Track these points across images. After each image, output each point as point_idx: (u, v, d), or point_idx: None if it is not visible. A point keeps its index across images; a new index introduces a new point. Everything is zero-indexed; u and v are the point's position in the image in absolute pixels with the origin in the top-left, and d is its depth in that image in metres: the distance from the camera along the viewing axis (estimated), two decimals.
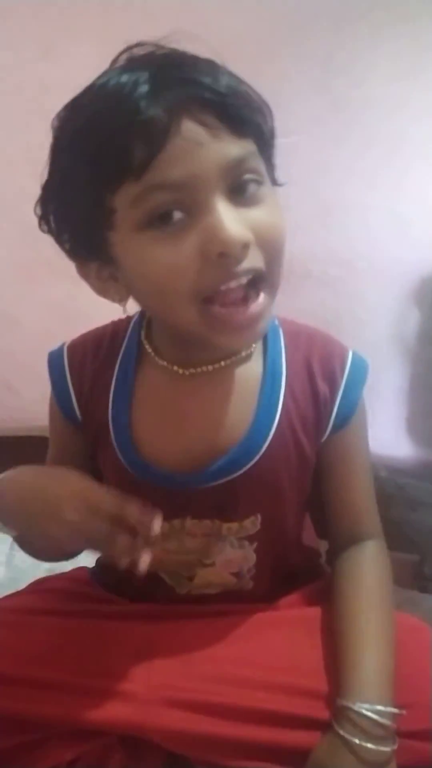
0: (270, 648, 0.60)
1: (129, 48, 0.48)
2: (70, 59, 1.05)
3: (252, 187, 0.48)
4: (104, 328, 0.67)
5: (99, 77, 0.48)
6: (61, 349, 0.67)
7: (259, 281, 0.49)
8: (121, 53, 0.49)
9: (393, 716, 0.51)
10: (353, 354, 0.64)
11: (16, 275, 1.22)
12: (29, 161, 1.21)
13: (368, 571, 0.63)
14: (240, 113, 0.46)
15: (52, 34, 1.06)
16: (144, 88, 0.44)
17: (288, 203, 0.97)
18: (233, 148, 0.46)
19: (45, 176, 0.51)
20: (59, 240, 0.53)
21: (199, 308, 0.48)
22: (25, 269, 1.22)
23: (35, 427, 1.11)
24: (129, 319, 0.65)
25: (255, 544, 0.65)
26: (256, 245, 0.48)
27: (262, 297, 0.50)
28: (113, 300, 0.55)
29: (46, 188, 0.52)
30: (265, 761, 0.53)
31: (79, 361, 0.64)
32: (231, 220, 0.45)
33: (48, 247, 1.29)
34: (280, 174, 0.55)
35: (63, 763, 0.58)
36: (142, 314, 0.64)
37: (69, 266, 1.24)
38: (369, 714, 0.51)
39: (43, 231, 0.54)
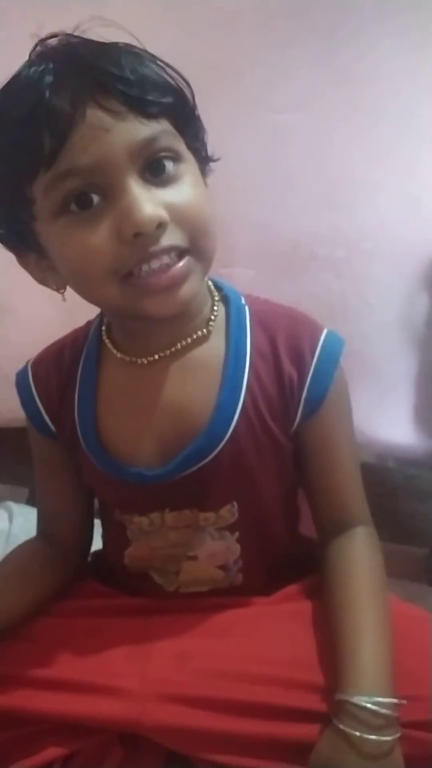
0: (267, 641, 0.58)
1: (42, 40, 0.50)
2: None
3: (168, 165, 0.49)
4: (64, 338, 0.67)
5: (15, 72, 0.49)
6: (25, 368, 0.67)
7: (184, 254, 0.50)
8: (34, 47, 0.50)
9: (394, 706, 0.49)
10: (327, 333, 0.61)
11: (8, 263, 1.20)
12: None
13: (358, 559, 0.60)
14: (145, 96, 0.48)
15: (44, 11, 1.02)
16: (48, 79, 0.46)
17: (292, 182, 0.94)
18: (141, 129, 0.48)
19: None
20: None
21: (119, 284, 0.49)
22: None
23: (21, 418, 1.09)
24: (89, 324, 0.65)
25: (236, 534, 0.63)
26: (174, 224, 0.49)
27: (185, 260, 0.50)
28: (52, 289, 0.56)
29: None
30: (265, 756, 0.51)
31: (43, 377, 0.65)
32: (144, 201, 0.47)
33: None
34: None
35: (60, 759, 0.56)
36: (101, 313, 0.63)
37: None
38: (368, 706, 0.48)
39: None
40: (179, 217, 0.49)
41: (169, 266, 0.49)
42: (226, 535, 0.63)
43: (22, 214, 0.51)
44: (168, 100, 0.50)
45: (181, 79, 0.52)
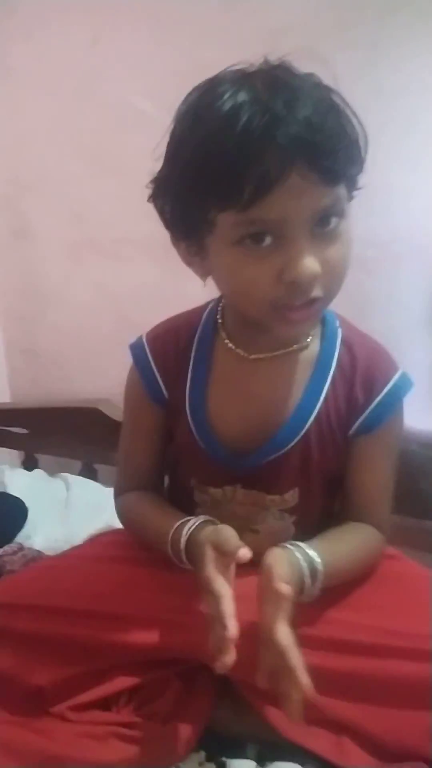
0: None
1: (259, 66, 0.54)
2: (118, 47, 1.09)
3: (333, 221, 0.55)
4: (178, 318, 0.75)
5: (210, 92, 0.53)
6: (140, 341, 0.74)
7: (320, 300, 0.58)
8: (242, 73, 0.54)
9: (320, 575, 0.60)
10: (401, 374, 0.69)
11: (63, 256, 1.28)
12: (77, 146, 1.27)
13: (361, 532, 0.70)
14: (338, 168, 0.53)
15: (100, 21, 1.10)
16: (268, 136, 0.50)
17: None
18: (325, 198, 0.53)
19: (164, 153, 0.58)
20: (161, 214, 0.60)
21: (275, 311, 0.57)
22: (72, 250, 1.27)
23: (80, 399, 1.18)
24: (202, 309, 0.73)
25: (294, 518, 0.72)
26: (324, 276, 0.55)
27: (319, 305, 0.58)
28: (195, 273, 0.63)
29: (165, 173, 0.58)
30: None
31: (161, 350, 0.72)
32: (307, 257, 0.53)
33: (93, 229, 1.35)
34: None
35: (127, 689, 0.66)
36: (218, 301, 0.71)
37: (113, 247, 1.30)
38: (310, 553, 0.61)
39: (150, 202, 0.60)
40: (329, 273, 0.56)
41: (307, 306, 0.57)
42: (286, 517, 0.72)
43: (200, 225, 0.56)
44: (351, 167, 0.55)
45: (365, 138, 0.56)
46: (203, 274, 0.63)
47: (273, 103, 0.50)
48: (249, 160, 0.50)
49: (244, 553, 0.57)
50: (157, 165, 0.62)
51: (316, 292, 0.56)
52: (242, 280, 0.57)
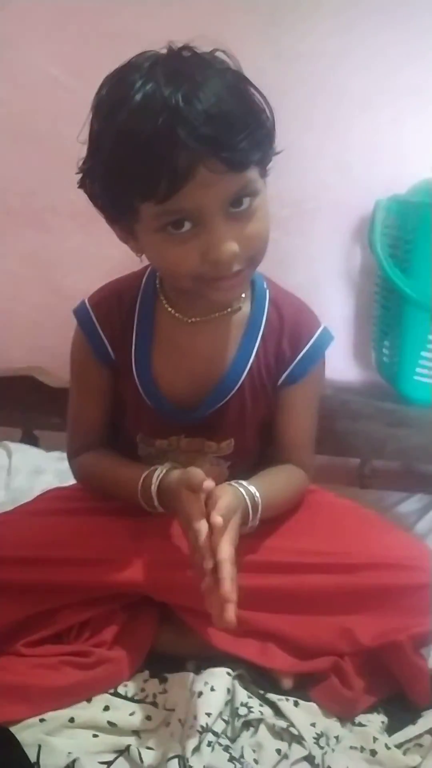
0: None
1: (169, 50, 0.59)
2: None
3: (246, 202, 0.61)
4: (117, 283, 0.79)
5: (137, 81, 0.56)
6: (84, 305, 0.78)
7: (244, 270, 0.64)
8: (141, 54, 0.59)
9: (260, 507, 0.69)
10: (323, 329, 0.78)
11: None
12: None
13: (290, 472, 0.79)
14: (242, 156, 0.57)
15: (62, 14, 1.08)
16: (176, 135, 0.54)
17: None
18: (235, 181, 0.59)
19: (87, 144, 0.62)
20: (93, 200, 0.65)
21: (203, 283, 0.63)
22: None
23: (14, 368, 1.21)
24: (141, 274, 0.78)
25: (228, 463, 0.81)
26: (243, 250, 0.61)
27: (244, 274, 0.65)
28: (131, 250, 0.68)
29: (89, 163, 0.62)
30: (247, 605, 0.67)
31: (106, 313, 0.77)
32: (226, 239, 0.59)
33: (15, 197, 1.34)
34: None
35: (76, 624, 0.73)
36: (153, 272, 0.77)
37: (38, 216, 1.30)
38: (253, 491, 0.69)
39: (81, 188, 0.65)
40: (248, 247, 0.62)
41: (231, 278, 0.63)
42: (221, 463, 0.81)
43: (126, 213, 0.62)
44: (260, 150, 0.60)
45: (272, 115, 0.62)
46: (138, 252, 0.68)
47: (174, 99, 0.54)
48: (160, 158, 0.55)
49: (208, 484, 0.63)
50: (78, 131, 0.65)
51: (238, 266, 0.62)
52: (168, 262, 0.63)
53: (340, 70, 1.02)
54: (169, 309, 0.75)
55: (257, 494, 0.69)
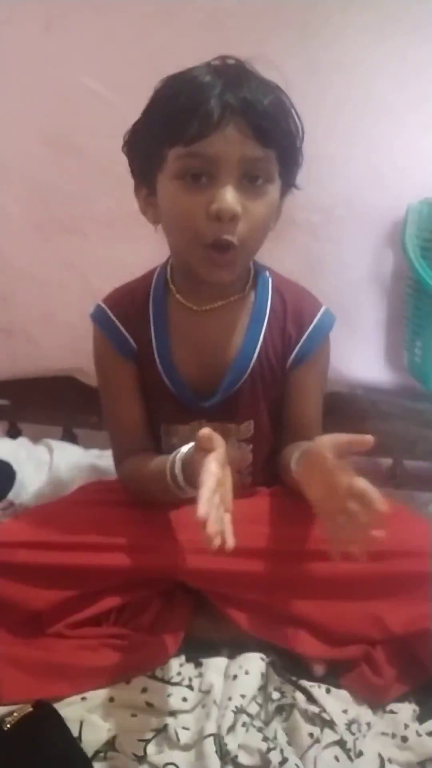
0: (268, 515, 0.80)
1: (221, 57, 0.68)
2: (70, 33, 1.14)
3: (259, 181, 0.67)
4: (129, 283, 0.85)
5: (192, 68, 0.67)
6: (100, 307, 0.83)
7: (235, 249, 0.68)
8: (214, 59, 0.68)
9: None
10: (324, 310, 0.82)
11: (29, 235, 1.34)
12: (36, 129, 1.32)
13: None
14: (267, 131, 0.65)
15: (52, 8, 1.15)
16: (215, 91, 0.63)
17: None
18: (254, 151, 0.65)
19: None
20: (131, 163, 0.73)
21: (202, 249, 0.68)
22: (38, 228, 1.33)
23: (56, 369, 1.26)
24: (151, 272, 0.83)
25: (251, 446, 0.84)
26: (242, 225, 0.66)
27: (233, 252, 0.68)
28: (149, 220, 0.75)
29: (135, 126, 0.71)
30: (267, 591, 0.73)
31: (122, 309, 0.82)
32: (231, 197, 0.65)
33: (57, 207, 1.41)
34: None
35: (115, 608, 0.77)
36: (165, 264, 0.81)
37: (78, 224, 1.36)
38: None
39: (124, 153, 0.73)
40: (248, 222, 0.66)
41: (226, 251, 0.67)
42: (243, 446, 0.85)
43: (155, 163, 0.68)
44: (284, 143, 0.68)
45: (300, 128, 0.71)
46: (155, 221, 0.73)
47: (226, 75, 0.64)
48: (197, 103, 0.63)
49: (204, 431, 0.62)
50: (117, 143, 0.72)
51: (232, 236, 0.66)
52: (179, 211, 0.68)
53: (366, 79, 1.05)
54: (181, 299, 0.79)
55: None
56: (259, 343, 0.79)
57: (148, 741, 0.68)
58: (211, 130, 0.63)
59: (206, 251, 0.68)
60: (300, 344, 0.80)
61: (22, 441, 1.24)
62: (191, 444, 0.69)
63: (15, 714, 0.67)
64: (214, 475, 0.57)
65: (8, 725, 0.66)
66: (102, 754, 0.66)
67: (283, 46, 1.04)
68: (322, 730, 0.69)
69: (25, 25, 1.17)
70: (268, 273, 0.82)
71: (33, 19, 1.16)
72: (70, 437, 1.26)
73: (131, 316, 0.81)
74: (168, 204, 0.69)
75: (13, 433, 1.29)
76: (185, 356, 0.80)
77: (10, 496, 1.06)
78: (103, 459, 1.12)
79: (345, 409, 1.07)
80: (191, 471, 0.67)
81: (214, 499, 0.56)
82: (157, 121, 0.67)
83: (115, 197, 0.73)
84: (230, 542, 0.57)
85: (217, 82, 0.63)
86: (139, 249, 0.77)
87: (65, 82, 1.17)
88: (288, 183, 0.73)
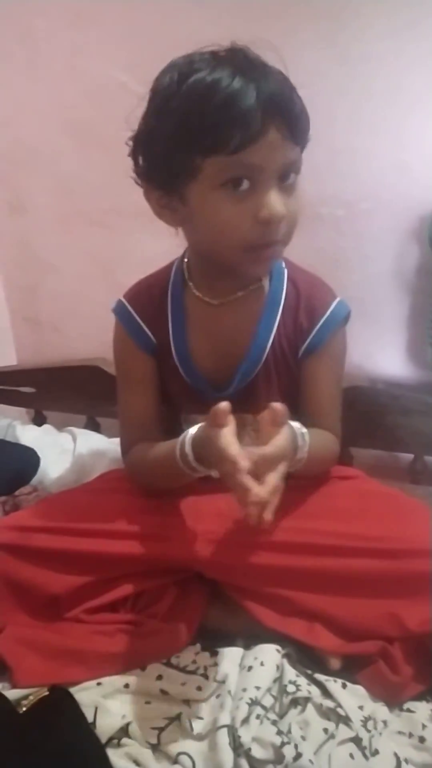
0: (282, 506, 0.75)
1: (227, 48, 0.66)
2: (99, 25, 1.15)
3: (292, 177, 0.68)
4: (148, 278, 0.86)
5: (208, 67, 0.63)
6: (120, 302, 0.85)
7: (279, 243, 0.70)
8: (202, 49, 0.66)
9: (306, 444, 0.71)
10: (339, 302, 0.81)
11: (55, 227, 1.36)
12: (63, 121, 1.33)
13: (322, 433, 0.80)
14: (302, 129, 0.66)
15: (82, 1, 1.15)
16: (251, 97, 0.61)
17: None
18: (291, 153, 0.66)
19: (145, 115, 0.68)
20: (136, 167, 0.71)
21: (245, 251, 0.68)
22: (64, 220, 1.35)
23: (80, 358, 1.28)
24: (168, 267, 0.84)
25: None
26: (285, 220, 0.67)
27: (279, 246, 0.70)
28: (166, 222, 0.73)
29: (147, 128, 0.68)
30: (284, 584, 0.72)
31: (141, 304, 0.84)
32: (279, 203, 0.66)
33: (83, 199, 1.42)
34: None
35: (132, 594, 0.77)
36: (182, 258, 0.82)
37: (103, 217, 1.37)
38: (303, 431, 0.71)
39: (128, 154, 0.71)
40: (290, 219, 0.68)
41: (272, 246, 0.68)
42: None
43: (184, 172, 0.66)
44: (307, 131, 0.68)
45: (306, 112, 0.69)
46: (174, 224, 0.73)
47: (250, 75, 0.62)
48: (239, 112, 0.62)
49: (221, 404, 0.63)
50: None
51: (279, 234, 0.67)
52: (222, 221, 0.67)
53: (393, 70, 1.03)
54: (197, 293, 0.80)
55: (304, 430, 0.71)
56: (273, 333, 0.80)
57: (162, 729, 0.68)
58: (255, 138, 0.62)
59: (249, 252, 0.68)
60: (312, 334, 0.80)
61: (47, 428, 1.26)
62: (199, 424, 0.69)
63: (31, 697, 0.68)
64: (241, 456, 0.60)
65: (24, 708, 0.67)
66: (116, 741, 0.66)
67: (313, 36, 1.04)
68: (337, 726, 0.68)
69: (54, 17, 1.18)
70: (283, 262, 0.82)
71: (62, 11, 1.17)
72: (93, 425, 1.28)
73: (149, 310, 0.83)
74: (210, 213, 0.67)
75: (39, 421, 1.31)
76: (202, 349, 0.82)
77: (34, 481, 1.08)
78: None
79: (366, 403, 1.06)
80: (202, 446, 0.67)
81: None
82: (186, 129, 0.63)
83: (140, 191, 0.72)
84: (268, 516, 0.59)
85: (248, 85, 0.62)
86: (163, 242, 0.77)
87: (93, 74, 1.18)
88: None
